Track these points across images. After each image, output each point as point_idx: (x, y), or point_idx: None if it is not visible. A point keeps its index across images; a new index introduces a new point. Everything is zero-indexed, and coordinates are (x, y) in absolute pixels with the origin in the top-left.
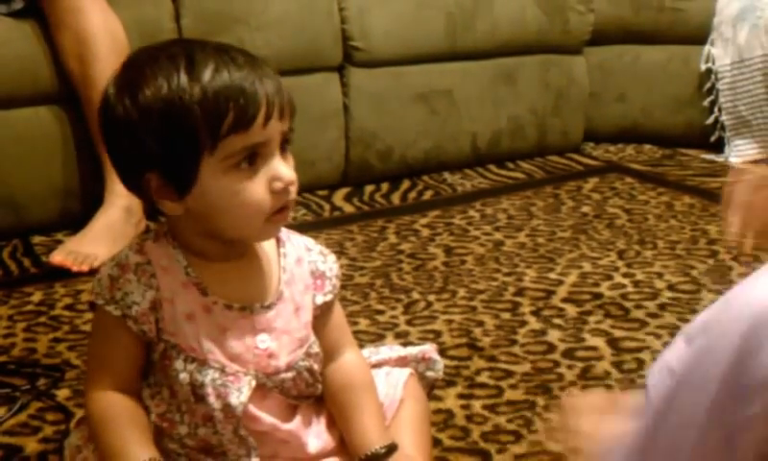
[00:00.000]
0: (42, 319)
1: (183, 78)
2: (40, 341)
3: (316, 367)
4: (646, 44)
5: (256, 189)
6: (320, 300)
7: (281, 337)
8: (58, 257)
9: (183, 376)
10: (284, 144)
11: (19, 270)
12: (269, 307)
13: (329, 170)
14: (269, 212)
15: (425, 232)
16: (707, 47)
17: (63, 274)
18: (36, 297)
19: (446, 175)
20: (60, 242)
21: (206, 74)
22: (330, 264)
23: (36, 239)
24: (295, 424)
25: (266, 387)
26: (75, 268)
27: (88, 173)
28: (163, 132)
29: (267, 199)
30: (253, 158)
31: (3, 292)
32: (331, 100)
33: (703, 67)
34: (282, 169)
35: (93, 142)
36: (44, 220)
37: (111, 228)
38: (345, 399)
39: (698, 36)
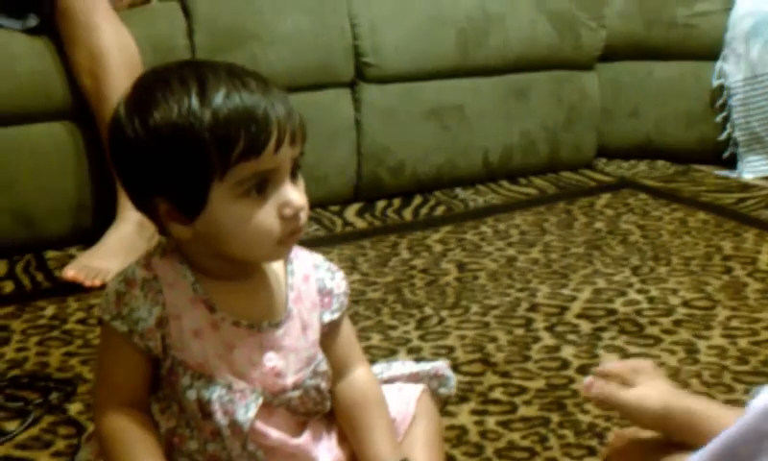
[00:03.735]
0: (55, 333)
1: (194, 102)
2: (53, 355)
3: (323, 385)
4: (658, 60)
5: (266, 216)
6: (327, 317)
7: (288, 356)
8: (70, 272)
9: (190, 393)
10: (294, 169)
11: (32, 284)
12: (277, 325)
13: (341, 185)
14: (278, 238)
15: (438, 248)
16: (719, 63)
17: (76, 288)
18: (49, 311)
19: (458, 190)
20: (73, 257)
21: (218, 99)
22: (338, 281)
23: (50, 254)
24: (304, 439)
25: (272, 405)
26: (87, 283)
27: (101, 188)
28: (173, 156)
29: (276, 225)
30: (263, 185)
31: (16, 306)
32: (343, 116)
33: (715, 83)
34: (292, 195)
35: (106, 158)
36: (57, 235)
37: (124, 242)
38: (356, 415)
39: (710, 51)
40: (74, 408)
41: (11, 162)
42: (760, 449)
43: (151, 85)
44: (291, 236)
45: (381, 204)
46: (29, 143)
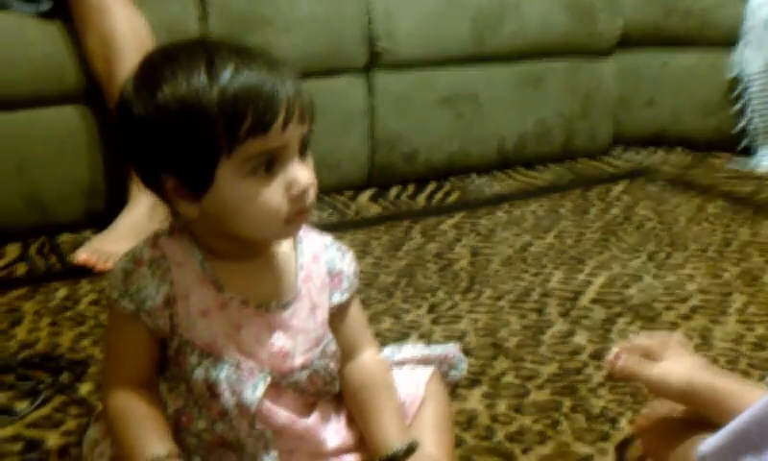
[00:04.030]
0: (67, 314)
1: (202, 78)
2: (65, 336)
3: (332, 366)
4: (675, 49)
5: (273, 194)
6: (336, 298)
7: (297, 336)
8: (82, 256)
9: (198, 372)
10: (303, 148)
11: (45, 267)
12: (285, 306)
13: (354, 172)
14: (286, 216)
15: (451, 234)
16: (737, 52)
17: (88, 271)
18: (62, 292)
19: (473, 176)
20: (86, 240)
21: (226, 75)
22: (348, 262)
23: (63, 237)
24: (312, 420)
25: (281, 385)
26: (99, 266)
27: (114, 172)
28: (180, 133)
29: (284, 204)
30: (271, 163)
31: (29, 288)
32: (357, 102)
33: (733, 72)
34: (300, 174)
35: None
36: (70, 219)
37: (136, 226)
38: (364, 398)
39: (728, 40)
40: (85, 388)
41: (24, 146)
42: None
43: (159, 63)
44: (299, 215)
45: (394, 190)
46: (42, 127)
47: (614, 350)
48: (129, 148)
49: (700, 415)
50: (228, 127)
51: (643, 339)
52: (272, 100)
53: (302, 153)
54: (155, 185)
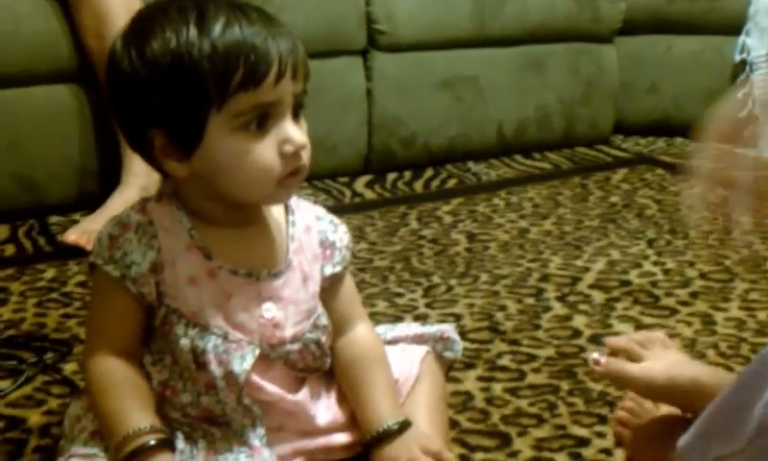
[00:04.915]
0: (54, 295)
1: (193, 31)
2: (50, 316)
3: (324, 339)
4: (679, 34)
5: (265, 151)
6: (328, 270)
7: (288, 307)
8: (72, 236)
9: (184, 343)
10: (297, 108)
11: (33, 248)
12: (276, 275)
13: (351, 156)
14: (279, 176)
15: (448, 219)
16: (742, 37)
17: (77, 252)
18: (49, 274)
19: (471, 164)
20: (76, 222)
21: (217, 28)
22: (341, 234)
23: (53, 219)
24: (301, 396)
25: (270, 358)
26: (89, 247)
27: (106, 153)
28: (170, 86)
29: (276, 162)
30: (263, 119)
31: (16, 269)
32: (354, 85)
33: (737, 58)
34: (293, 132)
35: (111, 121)
36: (61, 200)
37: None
38: (356, 373)
39: (733, 25)
40: (69, 368)
41: (14, 125)
42: (740, 422)
43: (148, 17)
44: (291, 177)
45: (392, 176)
46: (33, 106)
47: (596, 352)
48: (118, 105)
49: (685, 411)
50: (218, 80)
51: (625, 338)
52: (264, 53)
53: (296, 115)
54: (143, 146)
